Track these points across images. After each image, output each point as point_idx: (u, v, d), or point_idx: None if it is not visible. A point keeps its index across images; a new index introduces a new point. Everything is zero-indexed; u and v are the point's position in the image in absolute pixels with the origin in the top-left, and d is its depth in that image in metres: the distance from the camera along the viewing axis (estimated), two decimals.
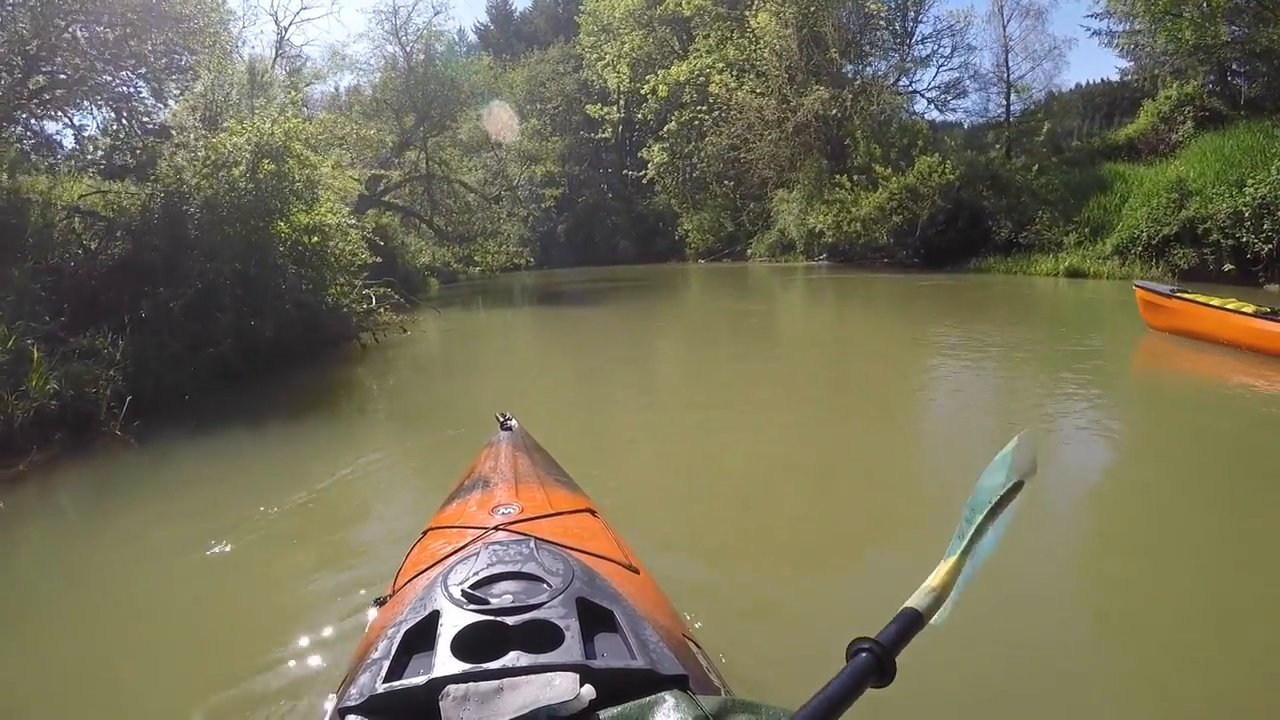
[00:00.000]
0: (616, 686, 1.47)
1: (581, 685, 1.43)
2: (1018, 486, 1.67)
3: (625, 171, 49.68)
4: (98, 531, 5.49)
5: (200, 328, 9.72)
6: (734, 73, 35.30)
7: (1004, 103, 33.39)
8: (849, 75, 32.96)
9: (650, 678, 1.53)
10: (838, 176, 28.40)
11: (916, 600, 1.40)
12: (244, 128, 11.31)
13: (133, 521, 5.53)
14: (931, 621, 1.39)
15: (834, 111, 30.08)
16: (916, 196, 25.66)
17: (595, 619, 1.76)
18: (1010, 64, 32.78)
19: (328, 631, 3.57)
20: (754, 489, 5.54)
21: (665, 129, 41.78)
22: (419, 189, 31.72)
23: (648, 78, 41.53)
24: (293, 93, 13.49)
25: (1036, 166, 25.27)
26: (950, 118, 35.82)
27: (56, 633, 4.00)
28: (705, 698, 1.46)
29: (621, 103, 49.02)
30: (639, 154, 47.00)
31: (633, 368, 11.41)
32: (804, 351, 12.42)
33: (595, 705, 1.40)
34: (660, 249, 45.96)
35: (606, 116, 49.25)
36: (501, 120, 29.83)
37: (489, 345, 15.52)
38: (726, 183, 39.22)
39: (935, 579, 1.47)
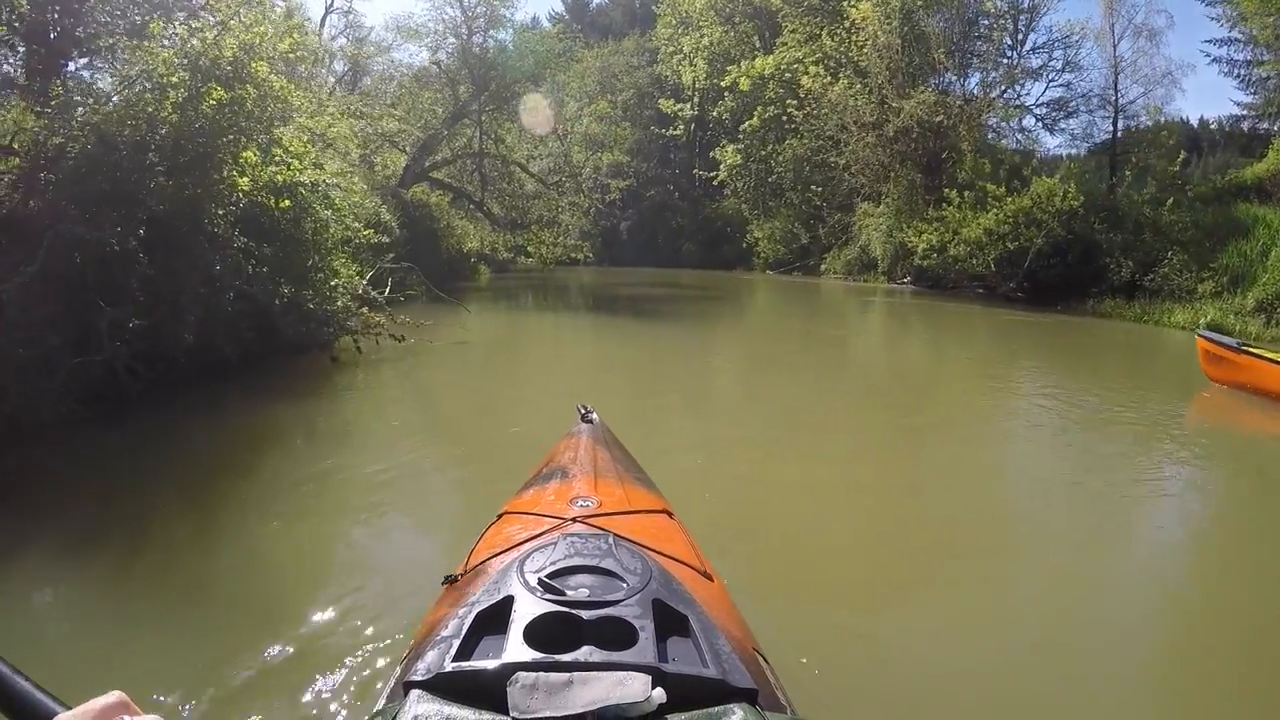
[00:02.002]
0: (686, 693, 1.42)
1: (653, 688, 1.38)
2: None
3: (695, 171, 46.13)
4: None
5: (82, 323, 6.28)
6: (829, 66, 31.41)
7: (1109, 128, 29.57)
8: (951, 81, 29.17)
9: (721, 688, 1.48)
10: (947, 192, 24.37)
11: None
12: (175, 32, 7.55)
13: None
14: None
15: (939, 118, 26.20)
16: (1031, 222, 21.67)
17: (669, 622, 1.71)
18: (1119, 87, 28.99)
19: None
20: (823, 521, 5.18)
21: (746, 125, 37.73)
22: (469, 166, 28.03)
23: (729, 69, 37.79)
24: None
25: (1171, 200, 21.21)
26: (1049, 141, 31.86)
27: None
28: (773, 714, 1.47)
29: (695, 99, 45.37)
30: (710, 154, 43.31)
31: (693, 400, 9.63)
32: (889, 391, 10.70)
33: (664, 709, 1.36)
34: (726, 256, 42.26)
35: (679, 113, 45.68)
36: (539, 113, 25.96)
37: (514, 368, 11.48)
38: (815, 188, 35.00)
39: None
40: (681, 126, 46.57)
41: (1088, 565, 4.63)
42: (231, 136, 7.52)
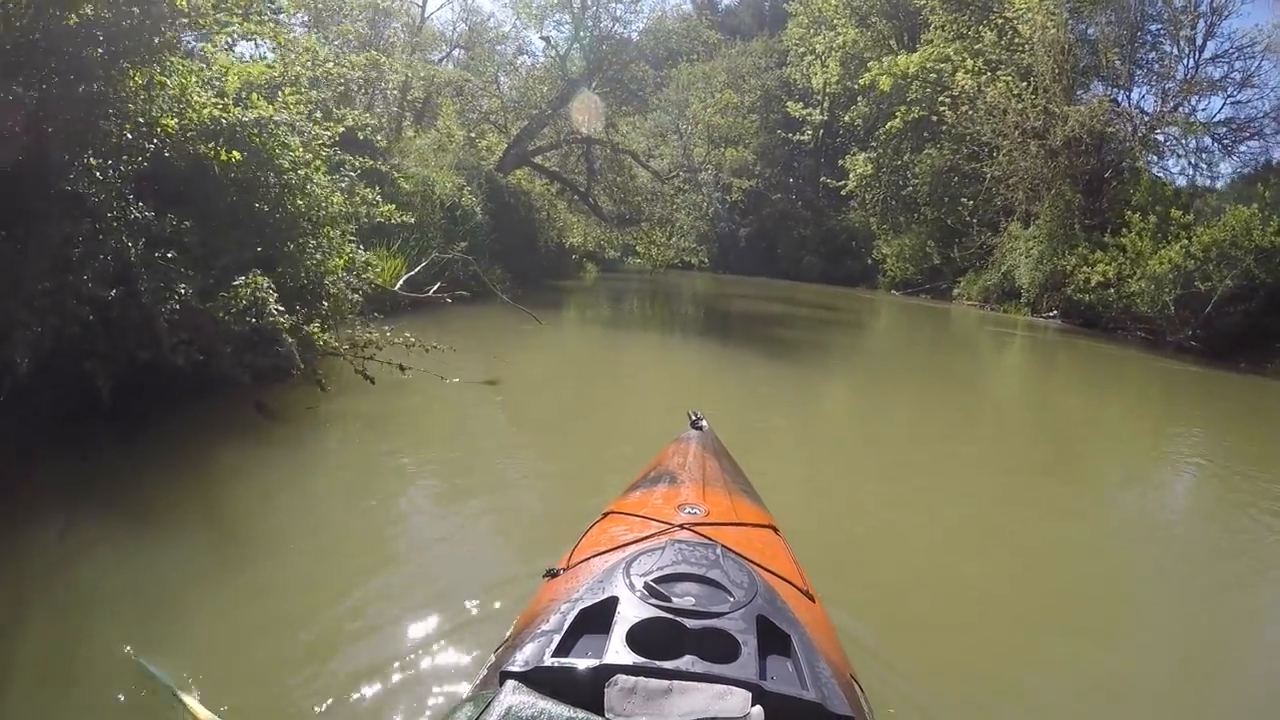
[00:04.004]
0: (784, 714, 1.37)
1: (753, 705, 1.34)
2: None
3: (822, 180, 42.75)
4: None
5: None
6: (988, 61, 27.68)
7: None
8: (1113, 92, 25.40)
9: (818, 712, 1.42)
10: (1129, 215, 20.36)
11: None
12: None
13: None
14: None
15: (1112, 129, 22.44)
16: (1223, 259, 17.79)
17: (772, 640, 1.62)
18: None
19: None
20: (930, 562, 4.54)
21: (887, 126, 34.21)
22: (577, 153, 24.81)
23: (869, 65, 33.92)
24: None
25: None
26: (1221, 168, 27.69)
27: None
28: None
29: (825, 104, 42.07)
30: (838, 163, 40.00)
31: (802, 452, 7.21)
32: (1023, 442, 8.72)
33: None
34: (849, 271, 38.85)
35: (807, 118, 42.37)
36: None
37: (556, 429, 7.00)
38: (964, 201, 30.99)
39: None
40: (809, 132, 43.52)
41: (1215, 682, 3.74)
42: (128, 44, 4.63)
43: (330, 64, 7.60)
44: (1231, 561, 5.42)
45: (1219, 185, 24.26)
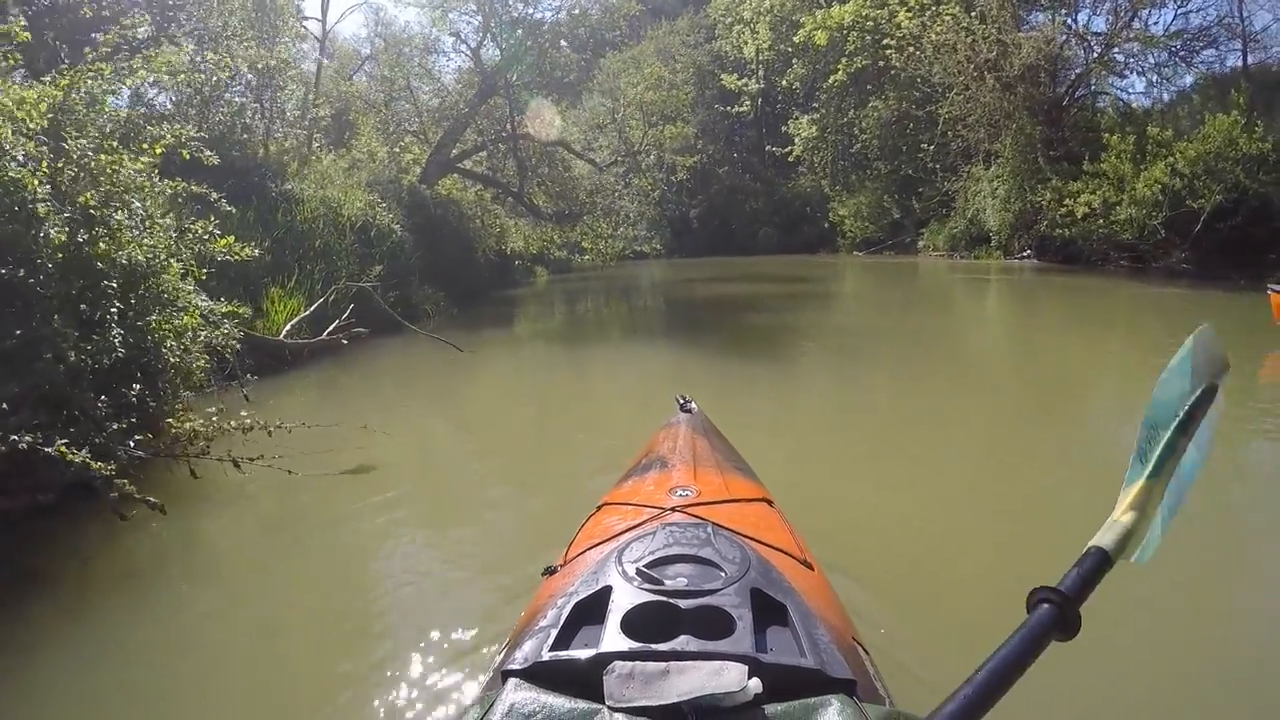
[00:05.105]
0: (783, 683, 1.33)
1: (750, 678, 1.28)
2: (1209, 393, 1.44)
3: (767, 148, 41.68)
4: None
5: None
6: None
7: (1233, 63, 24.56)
8: (1062, 14, 24.18)
9: (818, 678, 1.39)
10: (1109, 138, 19.05)
11: (1102, 538, 1.21)
12: None
13: None
14: (1132, 559, 1.21)
15: (1068, 53, 21.23)
16: (1208, 173, 16.60)
17: (768, 612, 1.60)
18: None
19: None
20: (937, 527, 4.41)
21: (830, 81, 33.01)
22: (502, 151, 22.71)
23: (803, 20, 32.81)
24: None
25: None
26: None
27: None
28: (871, 706, 1.38)
29: (760, 72, 40.86)
30: (781, 129, 39.11)
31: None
32: (1011, 397, 8.15)
33: (760, 699, 1.27)
34: (808, 238, 37.59)
35: (744, 88, 41.20)
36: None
37: (508, 466, 5.80)
38: (925, 145, 29.51)
39: (1119, 511, 1.28)
40: (748, 102, 42.26)
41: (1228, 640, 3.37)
42: None
43: (140, 70, 5.81)
44: (1247, 500, 5.08)
45: (1193, 98, 23.05)
